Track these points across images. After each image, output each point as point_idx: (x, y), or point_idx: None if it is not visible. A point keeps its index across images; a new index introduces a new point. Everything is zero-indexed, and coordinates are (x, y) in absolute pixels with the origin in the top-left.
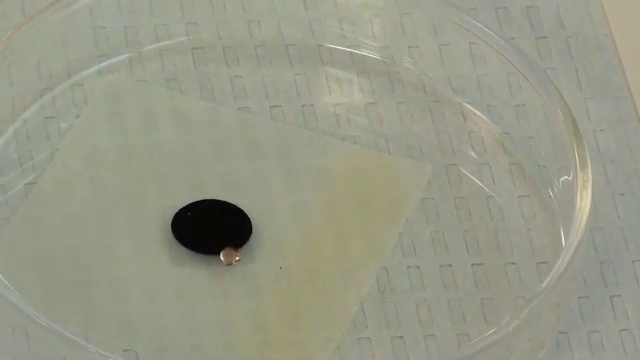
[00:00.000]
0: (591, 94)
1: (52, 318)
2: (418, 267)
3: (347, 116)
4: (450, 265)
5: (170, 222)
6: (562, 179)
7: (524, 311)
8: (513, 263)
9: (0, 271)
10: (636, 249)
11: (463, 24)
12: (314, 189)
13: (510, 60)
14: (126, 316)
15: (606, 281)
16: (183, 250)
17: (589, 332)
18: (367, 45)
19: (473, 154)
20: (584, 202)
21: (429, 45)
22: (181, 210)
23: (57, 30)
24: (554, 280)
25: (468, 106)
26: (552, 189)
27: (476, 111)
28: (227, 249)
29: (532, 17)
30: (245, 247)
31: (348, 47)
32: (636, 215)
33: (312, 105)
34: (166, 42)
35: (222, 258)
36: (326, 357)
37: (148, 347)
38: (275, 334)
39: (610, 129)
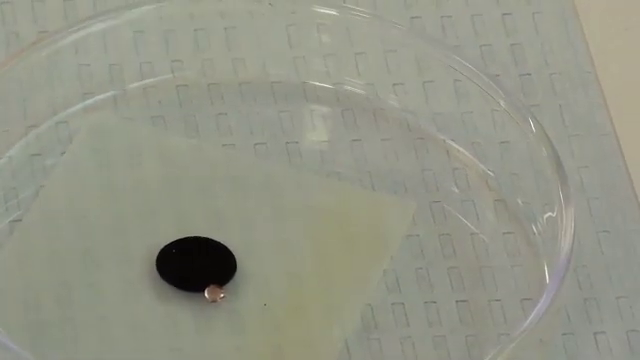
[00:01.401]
0: (575, 131)
1: (36, 356)
2: (402, 304)
3: (331, 153)
4: (434, 302)
5: (155, 259)
6: (546, 216)
7: (508, 347)
8: (497, 300)
9: None
10: (620, 286)
11: (447, 61)
12: (299, 226)
13: (494, 97)
14: (111, 354)
15: (590, 318)
16: (168, 287)
17: None
18: (351, 82)
19: (457, 191)
20: (568, 239)
21: (413, 82)
22: (165, 247)
23: (42, 67)
24: (538, 317)
25: (452, 143)
26: (536, 226)
27: (460, 148)
28: (211, 286)
29: (516, 54)
30: (230, 284)
31: (332, 84)
32: (620, 252)
33: (296, 142)
34: (151, 80)
35: (207, 295)
36: None
37: None
38: None
39: (594, 166)
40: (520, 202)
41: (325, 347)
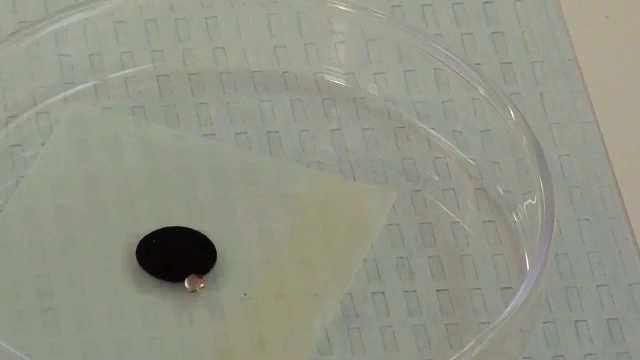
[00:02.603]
0: (556, 119)
1: (16, 346)
2: (383, 293)
3: (312, 142)
4: (415, 291)
5: (135, 249)
6: (527, 204)
7: (488, 336)
8: (478, 288)
9: None
10: (600, 274)
11: (428, 50)
12: (279, 216)
13: (475, 86)
14: (91, 344)
15: (571, 306)
16: (148, 277)
17: (553, 357)
18: (332, 72)
19: (438, 180)
20: (548, 227)
21: (394, 71)
22: (146, 238)
23: (22, 58)
24: (518, 305)
25: (433, 132)
26: (517, 214)
27: (441, 137)
28: (191, 276)
29: (497, 43)
30: (210, 274)
31: (313, 74)
32: (600, 240)
33: (277, 132)
34: (131, 69)
35: (187, 285)
36: None
37: None
38: None
39: (575, 154)
40: (501, 190)
41: (305, 336)
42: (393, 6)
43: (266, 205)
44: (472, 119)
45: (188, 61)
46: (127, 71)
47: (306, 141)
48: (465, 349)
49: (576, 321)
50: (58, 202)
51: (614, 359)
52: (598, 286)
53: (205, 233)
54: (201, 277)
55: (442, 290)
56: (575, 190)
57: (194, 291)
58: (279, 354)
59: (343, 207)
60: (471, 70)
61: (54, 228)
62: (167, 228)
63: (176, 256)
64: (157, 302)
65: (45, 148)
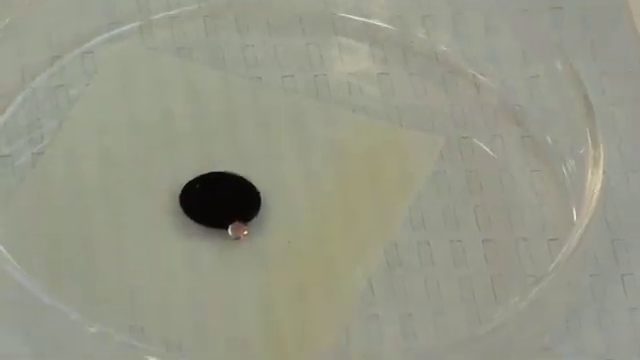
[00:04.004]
0: (607, 68)
1: (56, 292)
2: (428, 242)
3: (359, 86)
4: (460, 241)
5: (178, 194)
6: (574, 154)
7: (534, 290)
8: (524, 239)
9: (4, 243)
10: None
11: None
12: (324, 161)
13: (523, 32)
14: (131, 290)
15: (618, 259)
16: (191, 223)
17: (599, 310)
18: (380, 14)
19: (485, 127)
20: (596, 178)
21: (443, 14)
22: (189, 183)
23: None
24: (564, 259)
25: (481, 77)
26: (564, 164)
27: (489, 83)
28: (235, 223)
29: None
30: (254, 221)
31: (361, 16)
32: None
33: (324, 75)
34: (177, 10)
35: (230, 232)
36: (333, 334)
37: (153, 322)
38: (282, 310)
39: (624, 104)
40: (549, 139)
41: (349, 285)
42: None
43: (311, 150)
44: (521, 65)
45: (235, 2)
46: (173, 12)
47: (353, 84)
48: (511, 303)
49: (623, 275)
50: (101, 144)
51: None
52: None
53: (249, 179)
54: (245, 224)
55: (488, 240)
56: (624, 140)
57: (237, 238)
58: (322, 304)
59: (389, 153)
60: (520, 15)
61: (97, 171)
62: (211, 173)
63: (220, 202)
64: (199, 248)
65: (89, 89)
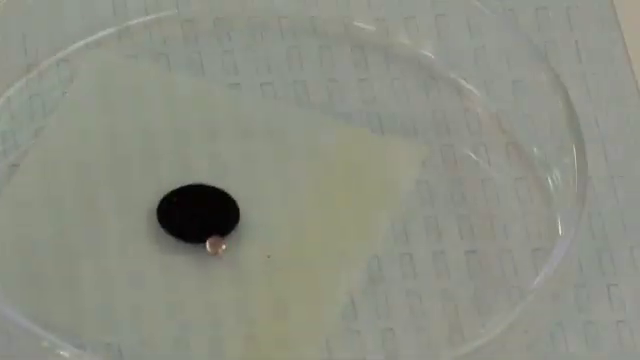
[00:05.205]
0: (591, 69)
1: (34, 308)
2: (410, 255)
3: (340, 92)
4: (443, 252)
5: (156, 208)
6: (559, 160)
7: (519, 304)
8: (508, 250)
9: None
10: (635, 235)
11: None
12: (304, 171)
13: (507, 33)
14: (109, 305)
15: (603, 269)
16: (169, 238)
17: (585, 323)
18: (361, 17)
19: (469, 134)
20: (581, 185)
21: (425, 16)
22: (167, 196)
23: (43, 3)
24: (550, 271)
25: (464, 82)
26: (549, 170)
27: (472, 88)
28: (213, 237)
29: None
30: (232, 235)
31: (341, 21)
32: (636, 198)
33: (304, 81)
34: (155, 15)
35: (208, 247)
36: (314, 349)
37: (131, 340)
38: (262, 326)
39: (610, 107)
40: (533, 146)
41: (330, 300)
42: None
43: (291, 159)
44: (504, 68)
45: (214, 6)
46: (151, 17)
47: (333, 91)
48: (494, 321)
49: (609, 285)
50: (78, 155)
51: None
52: (632, 247)
53: (227, 190)
54: (223, 238)
55: (471, 252)
56: (609, 145)
57: (216, 254)
58: (302, 319)
59: (370, 163)
60: (504, 16)
61: (73, 184)
62: (189, 186)
63: (197, 216)
64: (178, 264)
65: (65, 98)
